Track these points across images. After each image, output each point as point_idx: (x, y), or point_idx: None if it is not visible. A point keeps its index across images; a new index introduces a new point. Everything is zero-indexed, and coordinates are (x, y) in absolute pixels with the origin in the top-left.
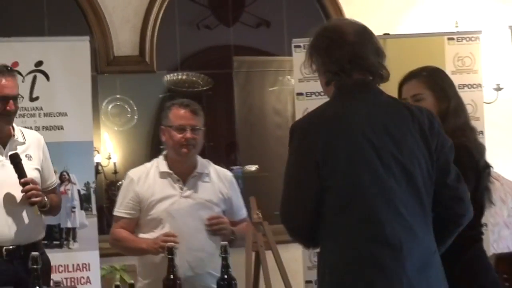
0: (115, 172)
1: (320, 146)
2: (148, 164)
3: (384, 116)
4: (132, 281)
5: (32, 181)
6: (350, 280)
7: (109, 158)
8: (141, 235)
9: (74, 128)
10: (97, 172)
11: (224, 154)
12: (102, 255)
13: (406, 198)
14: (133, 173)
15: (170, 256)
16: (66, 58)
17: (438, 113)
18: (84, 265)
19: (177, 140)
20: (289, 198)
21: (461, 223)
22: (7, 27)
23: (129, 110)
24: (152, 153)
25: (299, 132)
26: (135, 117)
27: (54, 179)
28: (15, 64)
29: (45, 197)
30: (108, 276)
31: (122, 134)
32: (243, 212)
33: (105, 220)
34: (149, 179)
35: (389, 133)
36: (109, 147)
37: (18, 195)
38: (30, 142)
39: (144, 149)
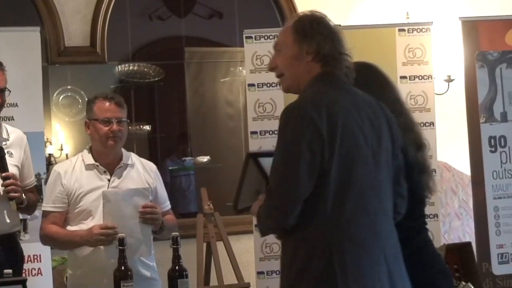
0: None
1: (325, 127)
2: (73, 159)
3: (365, 106)
4: None
5: (13, 176)
6: (339, 260)
7: (61, 149)
8: (70, 228)
9: (24, 119)
10: (49, 163)
11: (175, 145)
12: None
13: (385, 188)
14: (59, 167)
15: (121, 247)
16: (16, 49)
17: None
18: (35, 257)
19: (103, 133)
20: (288, 175)
21: (396, 220)
22: None
23: (80, 101)
24: None
25: (303, 113)
26: None
27: (33, 179)
28: None
29: (23, 195)
30: (59, 267)
31: (73, 125)
32: (167, 204)
33: None
34: (76, 172)
35: (371, 122)
36: (61, 138)
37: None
38: (13, 140)
39: None
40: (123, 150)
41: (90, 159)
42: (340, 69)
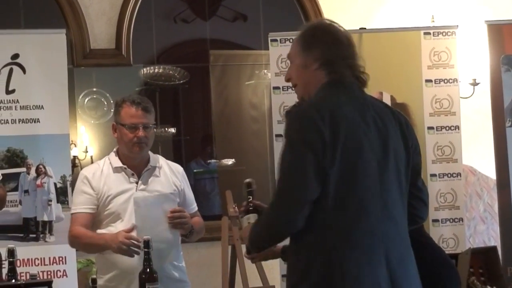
0: None
1: (327, 131)
2: (100, 162)
3: (372, 112)
4: None
5: None
6: (338, 265)
7: (86, 151)
8: (99, 231)
9: (50, 121)
10: (74, 165)
11: (200, 148)
12: None
13: (394, 193)
14: (87, 171)
15: (146, 250)
16: (42, 51)
17: None
18: (61, 258)
19: (129, 139)
20: (295, 174)
21: (418, 224)
22: None
23: (105, 103)
24: None
25: (306, 117)
26: (112, 110)
27: None
28: None
29: None
30: (84, 269)
31: (98, 127)
32: (194, 206)
33: None
34: (104, 175)
35: (378, 128)
36: (86, 141)
37: None
38: None
39: None
40: (150, 152)
41: (117, 162)
42: (347, 75)
